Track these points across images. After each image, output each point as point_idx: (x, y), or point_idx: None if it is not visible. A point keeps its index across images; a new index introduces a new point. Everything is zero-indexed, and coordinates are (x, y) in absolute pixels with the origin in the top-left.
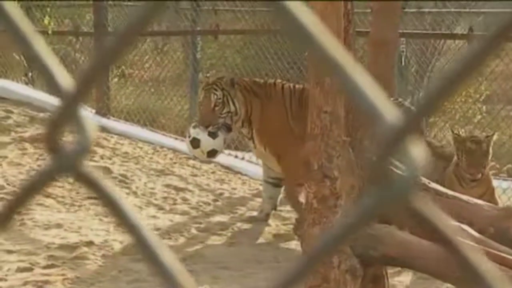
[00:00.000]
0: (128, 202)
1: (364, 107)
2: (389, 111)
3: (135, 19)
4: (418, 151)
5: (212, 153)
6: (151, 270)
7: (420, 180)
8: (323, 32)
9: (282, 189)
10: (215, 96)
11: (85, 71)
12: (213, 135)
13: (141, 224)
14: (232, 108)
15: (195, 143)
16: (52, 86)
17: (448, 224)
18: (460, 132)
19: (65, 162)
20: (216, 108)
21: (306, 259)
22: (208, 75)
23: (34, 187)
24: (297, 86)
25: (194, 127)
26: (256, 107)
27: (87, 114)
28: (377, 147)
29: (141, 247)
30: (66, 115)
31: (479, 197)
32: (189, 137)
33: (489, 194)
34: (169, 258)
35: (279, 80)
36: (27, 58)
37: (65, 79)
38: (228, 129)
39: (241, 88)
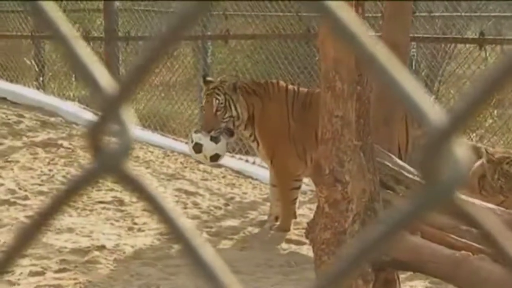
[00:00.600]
0: (169, 202)
1: (409, 108)
2: (434, 112)
3: (174, 24)
4: (463, 153)
5: (215, 158)
6: (194, 270)
7: (466, 181)
8: (367, 33)
9: None
10: (217, 101)
11: (128, 73)
12: (215, 139)
13: (183, 224)
14: (234, 113)
15: (197, 148)
16: (94, 88)
17: (495, 224)
18: (490, 150)
19: (108, 163)
20: (218, 113)
21: (341, 265)
22: (209, 79)
23: (77, 187)
24: (301, 89)
25: (196, 132)
26: (257, 106)
27: (128, 115)
28: (423, 149)
29: (183, 246)
30: (108, 117)
31: (498, 204)
32: (192, 142)
33: (509, 201)
34: (211, 256)
35: (282, 82)
36: (69, 61)
37: (107, 81)
38: (231, 133)
39: (243, 92)
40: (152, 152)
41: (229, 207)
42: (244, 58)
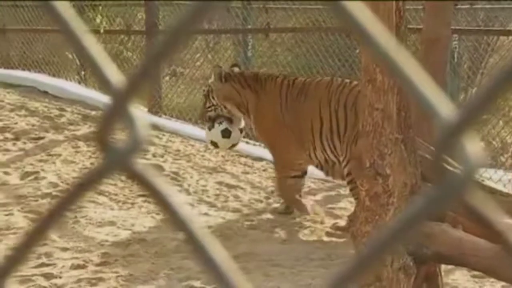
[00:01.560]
0: (179, 199)
1: (420, 103)
2: (445, 107)
3: (185, 18)
4: (474, 148)
5: (214, 144)
6: (201, 266)
7: (476, 177)
8: (379, 29)
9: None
10: (203, 91)
11: (136, 68)
12: (208, 128)
13: (192, 221)
14: (214, 102)
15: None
16: (103, 84)
17: (504, 222)
18: None
19: (117, 160)
20: (203, 103)
21: (360, 258)
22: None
23: (87, 184)
24: (297, 80)
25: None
26: (251, 101)
27: (139, 111)
28: (434, 144)
29: (191, 243)
30: (117, 113)
31: None
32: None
33: None
34: (220, 254)
35: (277, 74)
36: (80, 57)
37: (116, 77)
38: (229, 120)
39: (236, 84)
40: (193, 146)
41: (270, 201)
42: (284, 51)
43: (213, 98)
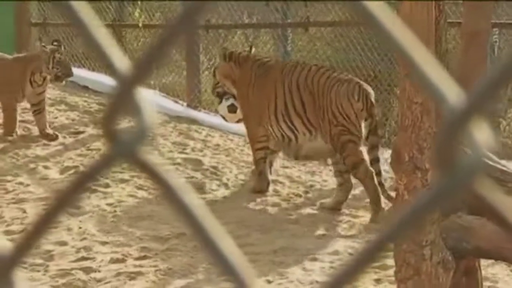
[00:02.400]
0: (185, 189)
1: (428, 90)
2: (453, 93)
3: (188, 9)
4: (483, 134)
5: (224, 118)
6: (209, 259)
7: (485, 164)
8: (388, 15)
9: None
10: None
11: (143, 54)
12: (218, 103)
13: (199, 213)
14: (216, 80)
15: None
16: (109, 69)
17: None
18: None
19: (123, 148)
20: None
21: (374, 242)
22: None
23: (94, 173)
24: (268, 61)
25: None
26: (237, 76)
27: (148, 97)
28: (441, 131)
29: (197, 233)
30: (124, 99)
31: None
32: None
33: None
34: (228, 246)
35: (260, 56)
36: (86, 43)
37: (122, 62)
38: (235, 96)
39: (233, 61)
40: (232, 140)
41: (309, 195)
42: (324, 45)
43: (215, 76)
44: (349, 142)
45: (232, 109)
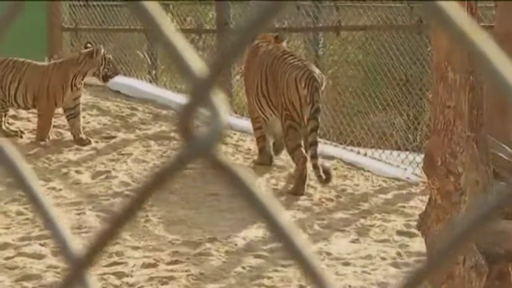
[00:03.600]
0: (262, 189)
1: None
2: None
3: (260, 12)
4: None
5: None
6: (290, 257)
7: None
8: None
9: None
10: None
11: (217, 56)
12: None
13: (275, 210)
14: None
15: None
16: (184, 72)
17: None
18: None
19: (198, 148)
20: None
21: (432, 258)
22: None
23: (168, 173)
24: (260, 46)
25: None
26: None
27: (220, 99)
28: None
29: (276, 234)
30: (199, 100)
31: None
32: None
33: None
34: (310, 252)
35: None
36: (161, 46)
37: (197, 64)
38: None
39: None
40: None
41: (341, 199)
42: (355, 49)
43: None
44: (290, 127)
45: None
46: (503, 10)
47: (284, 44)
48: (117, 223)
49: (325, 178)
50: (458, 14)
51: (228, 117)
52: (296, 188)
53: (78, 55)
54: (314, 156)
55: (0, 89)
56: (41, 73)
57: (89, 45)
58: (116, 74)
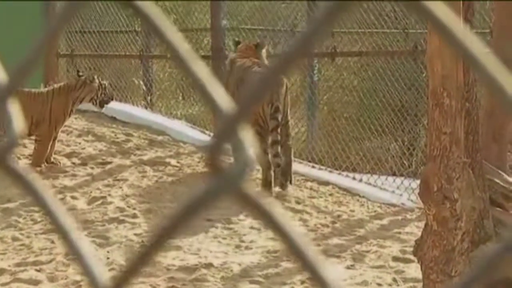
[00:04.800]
0: (294, 226)
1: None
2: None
3: (298, 44)
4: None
5: None
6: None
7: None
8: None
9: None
10: None
11: (246, 92)
12: None
13: (306, 245)
14: None
15: None
16: (212, 106)
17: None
18: None
19: (228, 183)
20: None
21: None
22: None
23: (197, 208)
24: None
25: None
26: None
27: (247, 135)
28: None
29: (307, 269)
30: (228, 136)
31: None
32: None
33: None
34: (332, 277)
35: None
36: (189, 80)
37: (225, 99)
38: None
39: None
40: (258, 170)
41: (337, 225)
42: (350, 75)
43: None
44: (256, 133)
45: None
46: (500, 36)
47: (264, 51)
48: (143, 258)
49: (284, 183)
50: (449, 16)
51: (254, 153)
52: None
53: (76, 82)
54: (276, 155)
55: None
56: (40, 99)
57: (80, 73)
58: (112, 99)
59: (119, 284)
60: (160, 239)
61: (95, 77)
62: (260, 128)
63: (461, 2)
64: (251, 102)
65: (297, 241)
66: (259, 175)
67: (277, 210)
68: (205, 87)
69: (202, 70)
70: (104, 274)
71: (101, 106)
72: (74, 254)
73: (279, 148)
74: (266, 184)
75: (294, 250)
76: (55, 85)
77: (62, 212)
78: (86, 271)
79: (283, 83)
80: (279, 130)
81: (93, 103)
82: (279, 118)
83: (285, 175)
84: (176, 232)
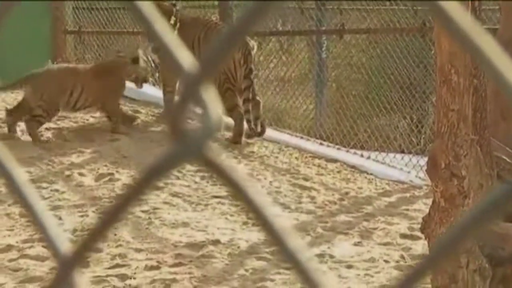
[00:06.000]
0: (254, 187)
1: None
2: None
3: (250, 12)
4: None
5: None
6: (278, 255)
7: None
8: (478, 32)
9: None
10: None
11: (207, 53)
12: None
13: (269, 212)
14: None
15: None
16: (176, 68)
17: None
18: None
19: (190, 147)
20: None
21: (430, 256)
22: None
23: (160, 171)
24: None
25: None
26: None
27: (212, 96)
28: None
29: (267, 232)
30: (191, 97)
31: None
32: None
33: None
34: (298, 247)
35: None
36: (154, 42)
37: (188, 60)
38: None
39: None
40: (266, 147)
41: (344, 202)
42: (359, 52)
43: None
44: (228, 89)
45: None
46: (508, 14)
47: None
48: (106, 222)
49: (260, 131)
50: (461, 15)
51: (219, 114)
52: (234, 138)
53: (125, 60)
54: (247, 111)
55: (62, 95)
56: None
57: (121, 53)
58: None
59: (79, 252)
60: (122, 204)
61: (140, 53)
62: (230, 84)
63: None
64: (215, 62)
65: (258, 204)
66: (255, 148)
67: (239, 175)
68: (169, 49)
69: (166, 34)
70: (64, 244)
71: (141, 85)
72: (37, 225)
73: (250, 105)
74: (239, 135)
75: (257, 218)
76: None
77: (23, 182)
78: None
79: (254, 46)
80: (251, 89)
81: (135, 82)
82: (252, 78)
83: (255, 127)
84: (138, 198)
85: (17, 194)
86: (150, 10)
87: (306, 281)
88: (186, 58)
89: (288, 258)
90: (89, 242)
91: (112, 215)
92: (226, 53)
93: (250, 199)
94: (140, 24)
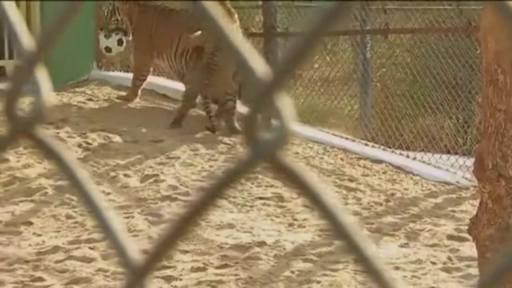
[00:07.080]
0: (331, 196)
1: None
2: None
3: (326, 15)
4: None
5: (107, 50)
6: (357, 266)
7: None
8: None
9: None
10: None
11: (283, 60)
12: (109, 34)
13: (345, 219)
14: (117, 17)
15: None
16: (247, 74)
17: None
18: None
19: (263, 153)
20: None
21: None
22: None
23: (233, 177)
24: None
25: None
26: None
27: (285, 104)
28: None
29: (345, 242)
30: (264, 104)
31: None
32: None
33: None
34: (373, 253)
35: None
36: (225, 46)
37: (261, 68)
38: (124, 32)
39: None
40: (311, 148)
41: (390, 203)
42: (403, 52)
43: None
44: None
45: (120, 42)
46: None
47: None
48: (177, 230)
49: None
50: None
51: (293, 122)
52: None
53: None
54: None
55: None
56: None
57: None
58: None
59: (151, 261)
60: (194, 212)
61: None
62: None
63: None
64: (289, 69)
65: (333, 209)
66: (300, 149)
67: (317, 183)
68: (240, 54)
69: (236, 38)
70: (135, 251)
71: None
72: (104, 231)
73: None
74: (182, 115)
75: (331, 220)
76: None
77: (92, 187)
78: (118, 249)
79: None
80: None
81: None
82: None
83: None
84: (211, 205)
85: (81, 195)
86: (219, 14)
87: (373, 277)
88: (258, 64)
89: (365, 266)
90: (161, 250)
91: (185, 223)
92: (301, 59)
93: (324, 204)
94: (211, 28)
